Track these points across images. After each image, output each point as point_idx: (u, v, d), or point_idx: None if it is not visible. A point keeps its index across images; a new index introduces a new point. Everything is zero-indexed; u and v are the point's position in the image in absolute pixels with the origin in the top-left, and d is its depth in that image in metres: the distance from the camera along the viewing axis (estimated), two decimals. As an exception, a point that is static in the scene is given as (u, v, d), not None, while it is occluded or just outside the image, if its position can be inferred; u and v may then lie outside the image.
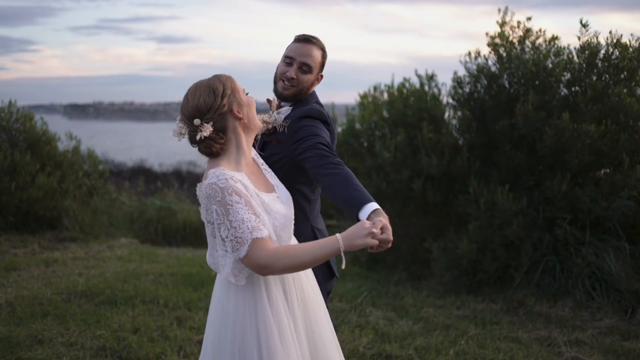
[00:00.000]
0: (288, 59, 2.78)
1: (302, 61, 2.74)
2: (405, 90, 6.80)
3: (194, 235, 8.69)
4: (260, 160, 2.48)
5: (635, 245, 5.40)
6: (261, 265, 2.10)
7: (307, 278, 2.44)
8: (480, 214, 5.67)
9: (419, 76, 6.75)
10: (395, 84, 7.01)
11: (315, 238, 2.73)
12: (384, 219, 2.15)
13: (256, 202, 2.18)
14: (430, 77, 6.66)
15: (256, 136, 2.70)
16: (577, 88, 5.74)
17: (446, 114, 6.63)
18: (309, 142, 2.54)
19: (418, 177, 6.18)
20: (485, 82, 6.18)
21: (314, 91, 2.87)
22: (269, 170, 2.47)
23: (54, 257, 6.84)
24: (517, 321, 5.06)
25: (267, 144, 2.73)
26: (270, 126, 2.72)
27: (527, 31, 6.13)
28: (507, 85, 6.11)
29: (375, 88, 7.27)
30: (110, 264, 6.61)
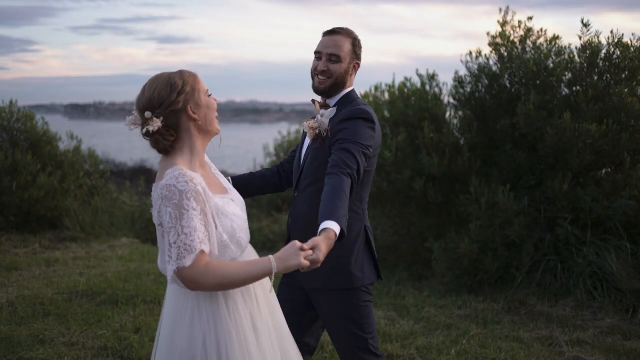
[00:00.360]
0: (317, 54, 2.81)
1: (329, 52, 2.75)
2: (406, 90, 6.80)
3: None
4: (212, 165, 2.37)
5: (637, 244, 5.40)
6: (192, 280, 1.97)
7: (268, 282, 2.33)
8: (482, 213, 5.67)
9: (420, 76, 6.75)
10: (397, 84, 7.01)
11: (368, 238, 2.78)
12: (320, 240, 2.14)
13: (209, 207, 2.07)
14: (432, 77, 6.66)
15: (314, 139, 2.74)
16: (578, 88, 5.75)
17: (447, 114, 6.63)
18: (339, 145, 2.59)
19: (419, 177, 6.18)
20: (486, 81, 6.18)
21: (353, 89, 2.86)
22: (221, 174, 2.38)
23: (55, 257, 6.84)
24: (518, 321, 5.06)
25: (313, 149, 2.75)
26: (317, 131, 2.72)
27: (528, 31, 6.13)
28: (508, 85, 6.11)
29: (376, 88, 7.27)
30: (112, 264, 6.61)
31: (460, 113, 6.45)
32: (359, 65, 2.84)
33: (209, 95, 2.22)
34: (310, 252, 2.09)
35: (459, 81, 6.33)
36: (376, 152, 2.75)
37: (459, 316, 5.20)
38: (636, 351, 4.36)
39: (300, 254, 2.07)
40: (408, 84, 6.86)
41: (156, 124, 2.08)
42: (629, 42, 5.52)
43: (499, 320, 5.08)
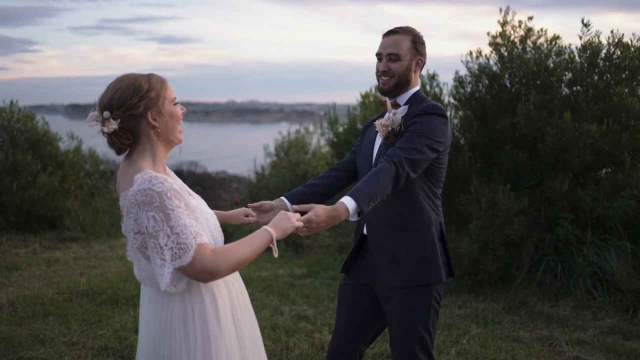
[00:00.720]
0: (378, 56, 2.81)
1: (388, 52, 2.74)
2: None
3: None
4: (172, 172, 2.29)
5: (637, 244, 5.40)
6: (207, 271, 1.92)
7: (239, 280, 2.31)
8: (482, 213, 5.67)
9: (420, 76, 6.74)
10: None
11: (443, 233, 2.77)
12: (319, 206, 2.27)
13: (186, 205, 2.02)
14: (432, 77, 6.66)
15: (386, 137, 2.71)
16: (578, 88, 5.75)
17: (448, 114, 6.62)
18: (406, 136, 2.59)
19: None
20: (486, 81, 6.18)
21: (420, 89, 2.84)
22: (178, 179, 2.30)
23: (55, 256, 6.85)
24: (518, 320, 5.06)
25: (388, 148, 2.69)
26: (389, 128, 2.68)
27: (529, 31, 6.13)
28: (508, 84, 6.12)
29: (376, 88, 7.27)
30: (112, 264, 6.62)
31: (461, 113, 6.45)
32: (422, 61, 2.80)
33: (175, 104, 2.12)
34: (298, 215, 2.17)
35: (459, 81, 6.33)
36: (447, 149, 2.71)
37: (459, 316, 5.20)
38: (636, 351, 4.36)
39: (290, 218, 2.13)
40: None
41: (112, 126, 2.00)
42: (629, 42, 5.52)
43: (499, 320, 5.08)
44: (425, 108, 2.65)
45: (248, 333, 2.21)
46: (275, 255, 2.13)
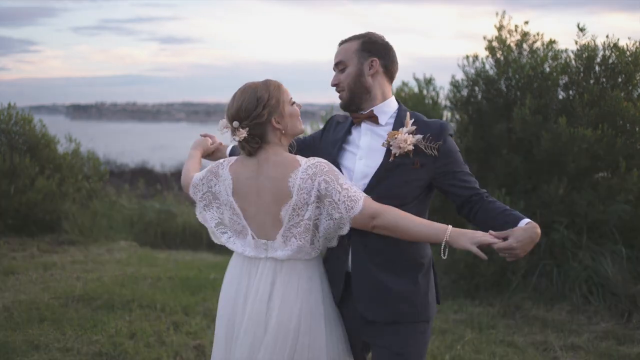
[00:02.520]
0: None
1: (335, 62, 2.50)
2: (403, 94, 6.80)
3: (193, 238, 8.71)
4: None
5: (632, 249, 5.41)
6: (373, 213, 2.21)
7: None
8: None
9: (417, 80, 6.76)
10: (394, 87, 7.01)
11: (433, 263, 2.56)
12: (519, 230, 2.16)
13: None
14: (428, 81, 6.67)
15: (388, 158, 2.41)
16: (574, 92, 5.74)
17: (444, 117, 6.63)
18: (458, 173, 2.43)
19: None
20: (482, 85, 6.19)
21: (399, 103, 2.54)
22: None
23: (52, 260, 6.86)
24: (513, 325, 5.06)
25: (399, 168, 2.38)
26: (404, 150, 2.36)
27: (525, 35, 6.13)
28: (504, 89, 6.12)
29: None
30: (109, 268, 6.62)
31: (457, 117, 6.45)
32: (377, 62, 2.45)
33: (292, 104, 2.39)
34: (496, 240, 2.15)
35: (455, 85, 6.33)
36: None
37: (454, 321, 5.20)
38: (630, 356, 4.36)
39: (475, 241, 2.15)
40: (405, 88, 6.87)
41: (242, 135, 2.30)
42: (625, 46, 5.52)
43: (494, 325, 5.08)
44: (444, 127, 2.43)
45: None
46: (443, 256, 2.21)
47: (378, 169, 2.40)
